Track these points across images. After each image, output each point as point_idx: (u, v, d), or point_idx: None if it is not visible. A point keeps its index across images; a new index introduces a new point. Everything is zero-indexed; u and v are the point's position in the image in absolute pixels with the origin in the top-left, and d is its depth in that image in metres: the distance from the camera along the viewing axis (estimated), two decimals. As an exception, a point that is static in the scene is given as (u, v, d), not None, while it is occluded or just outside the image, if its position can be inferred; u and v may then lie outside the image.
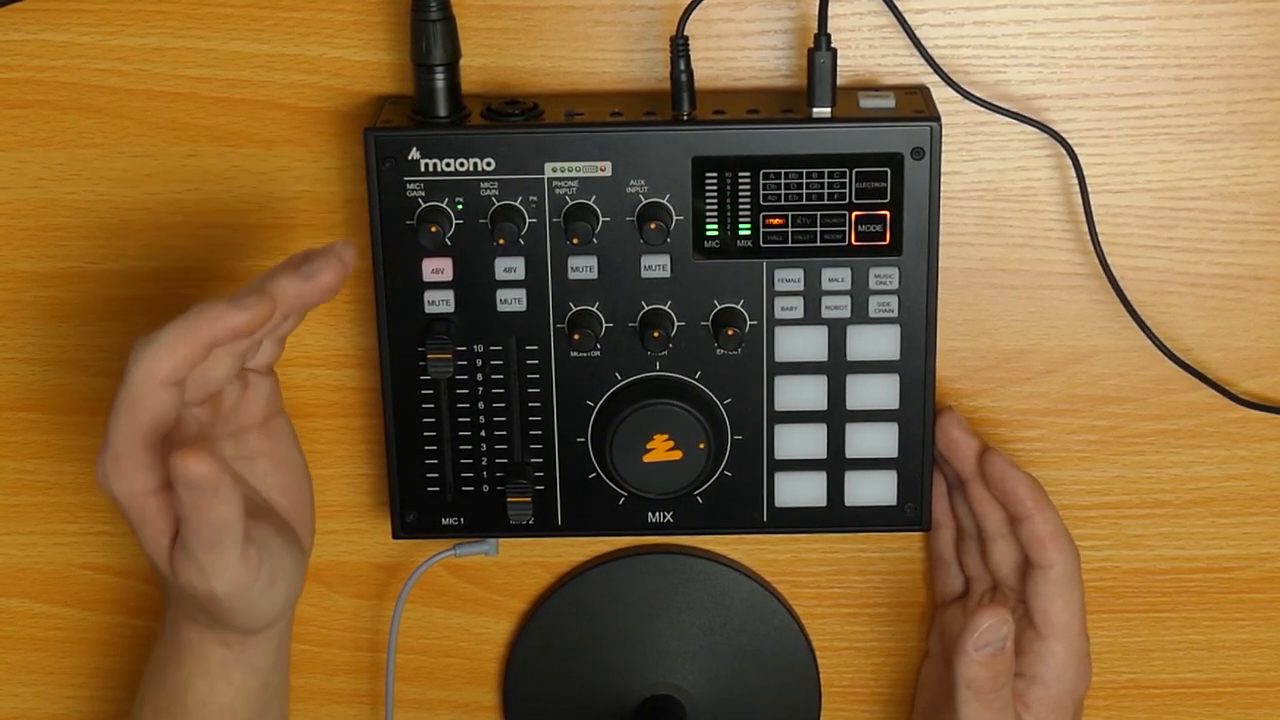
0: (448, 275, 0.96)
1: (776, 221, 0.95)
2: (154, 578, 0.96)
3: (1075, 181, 0.99)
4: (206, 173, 1.01)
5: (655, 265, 0.96)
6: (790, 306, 0.97)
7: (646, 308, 0.97)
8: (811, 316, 0.97)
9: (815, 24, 0.93)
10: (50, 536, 1.08)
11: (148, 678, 0.97)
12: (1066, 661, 0.99)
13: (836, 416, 0.99)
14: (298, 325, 0.92)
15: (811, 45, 0.93)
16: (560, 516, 1.01)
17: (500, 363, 0.98)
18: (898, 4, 0.96)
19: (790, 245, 0.96)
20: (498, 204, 0.95)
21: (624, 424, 0.97)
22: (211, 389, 0.90)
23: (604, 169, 0.94)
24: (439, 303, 0.97)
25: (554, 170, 0.94)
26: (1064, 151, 0.98)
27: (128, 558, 1.09)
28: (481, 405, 0.99)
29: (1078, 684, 1.00)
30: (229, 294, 0.86)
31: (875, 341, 0.97)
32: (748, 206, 0.95)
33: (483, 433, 0.99)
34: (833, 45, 0.93)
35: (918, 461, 1.00)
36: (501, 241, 0.95)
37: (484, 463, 1.00)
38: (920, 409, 0.98)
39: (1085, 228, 1.00)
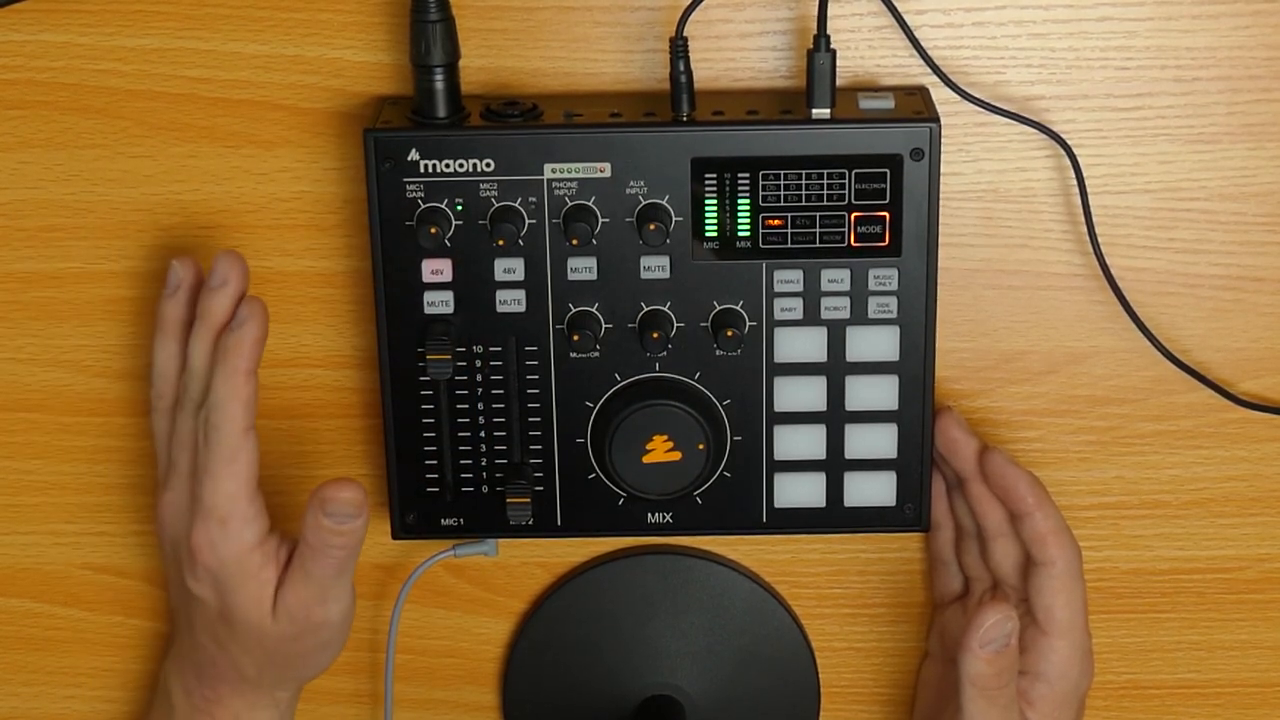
0: (447, 276, 0.96)
1: (776, 222, 0.95)
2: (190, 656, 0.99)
3: (1074, 182, 0.99)
4: (206, 173, 1.01)
5: (654, 266, 0.96)
6: (789, 307, 0.97)
7: (646, 309, 0.97)
8: (811, 317, 0.97)
9: (815, 25, 0.93)
10: (50, 536, 1.08)
11: None
12: (1070, 658, 0.99)
13: (836, 417, 0.99)
14: None
15: (811, 46, 0.93)
16: (560, 517, 1.01)
17: (500, 363, 0.98)
18: (897, 4, 0.96)
19: (789, 246, 0.96)
20: (497, 205, 0.95)
21: (623, 425, 0.97)
22: None
23: (603, 170, 0.94)
24: (438, 304, 0.97)
25: (553, 171, 0.94)
26: (1063, 152, 0.98)
27: (128, 558, 1.09)
28: (481, 406, 0.99)
29: (1081, 680, 1.00)
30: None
31: (875, 342, 0.97)
32: (747, 207, 0.95)
33: (482, 433, 0.99)
34: (832, 46, 0.93)
35: (917, 462, 0.99)
36: (501, 242, 0.95)
37: (483, 463, 1.00)
38: (920, 409, 0.98)
39: (1084, 228, 1.00)
